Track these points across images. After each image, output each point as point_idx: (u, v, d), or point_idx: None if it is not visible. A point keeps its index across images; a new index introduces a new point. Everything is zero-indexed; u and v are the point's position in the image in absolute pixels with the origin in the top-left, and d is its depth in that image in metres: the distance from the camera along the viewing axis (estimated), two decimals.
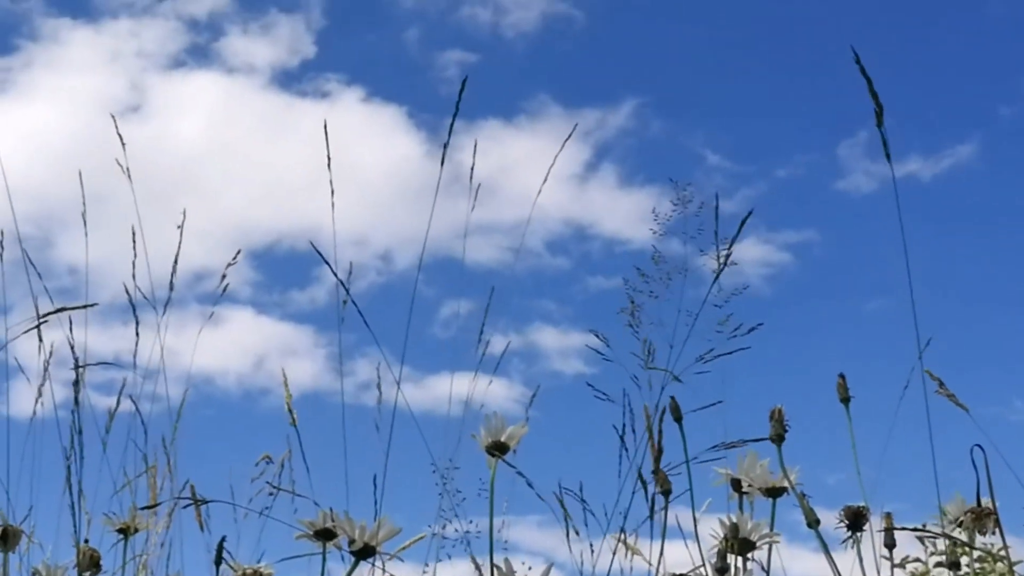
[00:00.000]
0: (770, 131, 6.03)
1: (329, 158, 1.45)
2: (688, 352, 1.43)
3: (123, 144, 1.68)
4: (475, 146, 1.55)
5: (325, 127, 1.46)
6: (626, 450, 1.37)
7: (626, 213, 5.80)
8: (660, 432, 1.39)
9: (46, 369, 1.64)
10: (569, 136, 1.63)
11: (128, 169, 1.64)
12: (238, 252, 1.78)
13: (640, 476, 1.38)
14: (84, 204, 1.71)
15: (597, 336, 1.43)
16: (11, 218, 1.62)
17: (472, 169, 1.54)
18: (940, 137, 5.83)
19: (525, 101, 6.19)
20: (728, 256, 1.46)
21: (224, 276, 1.77)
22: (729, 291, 1.48)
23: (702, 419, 1.41)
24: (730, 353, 1.44)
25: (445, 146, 1.42)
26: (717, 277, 1.46)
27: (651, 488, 1.40)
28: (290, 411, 1.58)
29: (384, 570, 1.36)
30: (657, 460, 1.37)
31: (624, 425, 1.43)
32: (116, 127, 1.64)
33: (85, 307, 1.53)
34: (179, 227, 1.71)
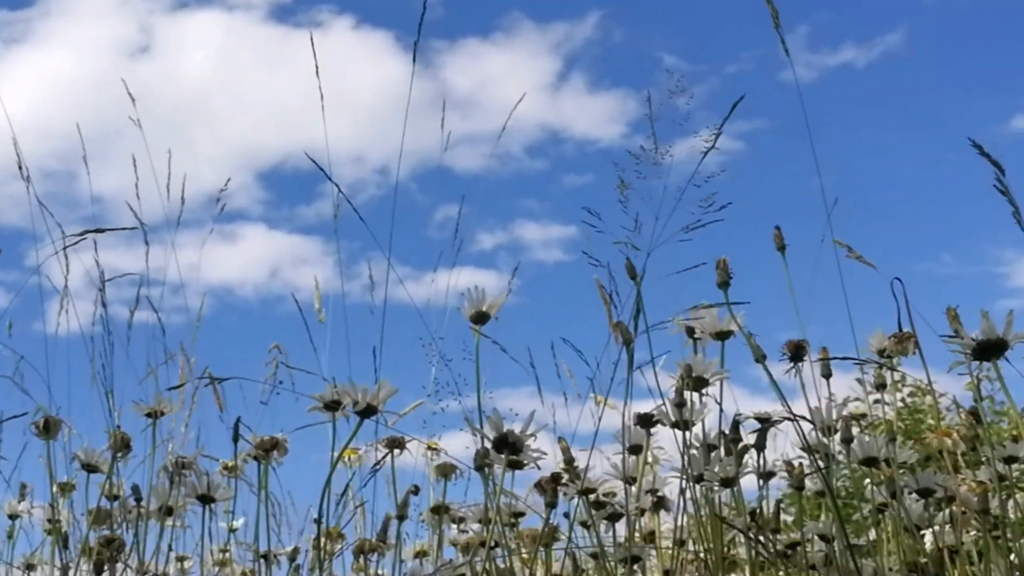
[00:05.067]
0: (718, 31, 6.13)
1: (317, 66, 1.53)
2: (672, 224, 1.51)
3: (133, 101, 1.76)
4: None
5: (311, 40, 1.54)
6: (616, 308, 1.45)
7: (595, 115, 5.94)
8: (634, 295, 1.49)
9: (64, 286, 1.73)
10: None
11: (139, 121, 1.73)
12: (228, 180, 1.86)
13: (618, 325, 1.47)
14: (84, 148, 1.80)
15: (589, 212, 1.51)
16: (37, 155, 1.70)
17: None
18: (871, 27, 5.95)
19: (500, 19, 6.28)
20: (717, 136, 1.54)
21: (219, 199, 1.86)
22: (706, 174, 1.55)
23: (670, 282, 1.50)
24: (705, 224, 1.52)
25: (415, 45, 1.49)
26: (704, 155, 1.53)
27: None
28: (319, 309, 1.69)
29: (388, 425, 1.46)
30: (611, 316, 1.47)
31: (613, 290, 1.51)
32: (127, 91, 1.73)
33: (120, 229, 1.62)
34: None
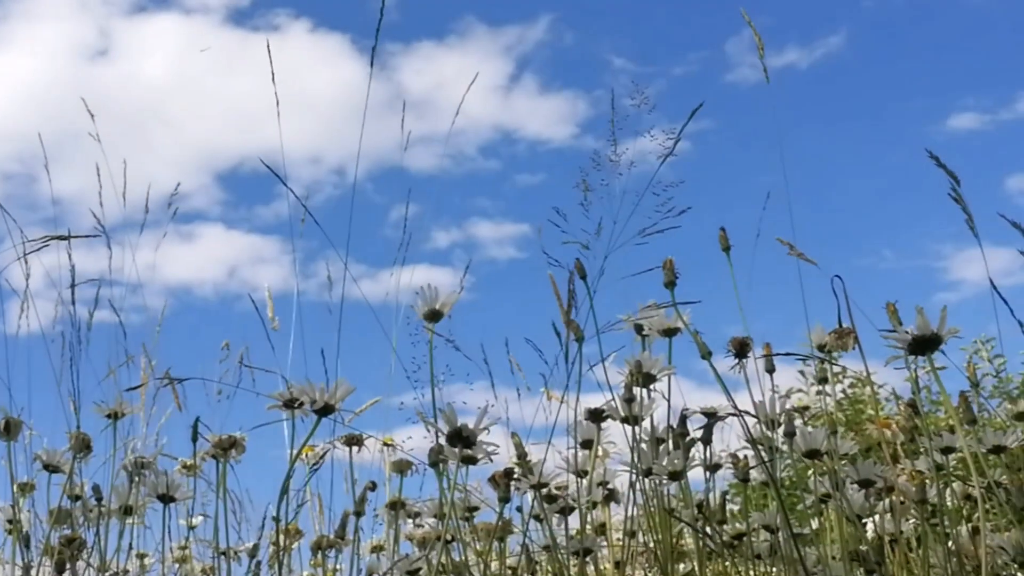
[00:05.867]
0: (666, 34, 6.24)
1: (273, 73, 1.55)
2: (630, 228, 1.54)
3: (92, 117, 1.78)
4: None
5: (268, 47, 1.55)
6: (575, 307, 1.47)
7: (546, 117, 6.05)
8: (573, 290, 1.51)
9: (26, 288, 1.73)
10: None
11: (98, 136, 1.74)
12: (178, 184, 1.88)
13: (555, 327, 1.49)
14: (45, 155, 1.80)
15: (557, 212, 1.54)
16: None
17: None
18: (813, 29, 6.08)
19: (454, 22, 6.38)
20: (676, 142, 1.57)
21: (171, 204, 1.88)
22: (665, 183, 1.58)
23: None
24: (662, 231, 1.54)
25: (373, 49, 1.50)
26: (663, 162, 1.56)
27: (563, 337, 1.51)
28: (272, 318, 1.70)
29: (345, 423, 1.47)
30: (568, 312, 1.49)
31: (572, 288, 1.53)
32: (87, 108, 1.73)
33: (85, 236, 1.63)
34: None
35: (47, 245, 1.60)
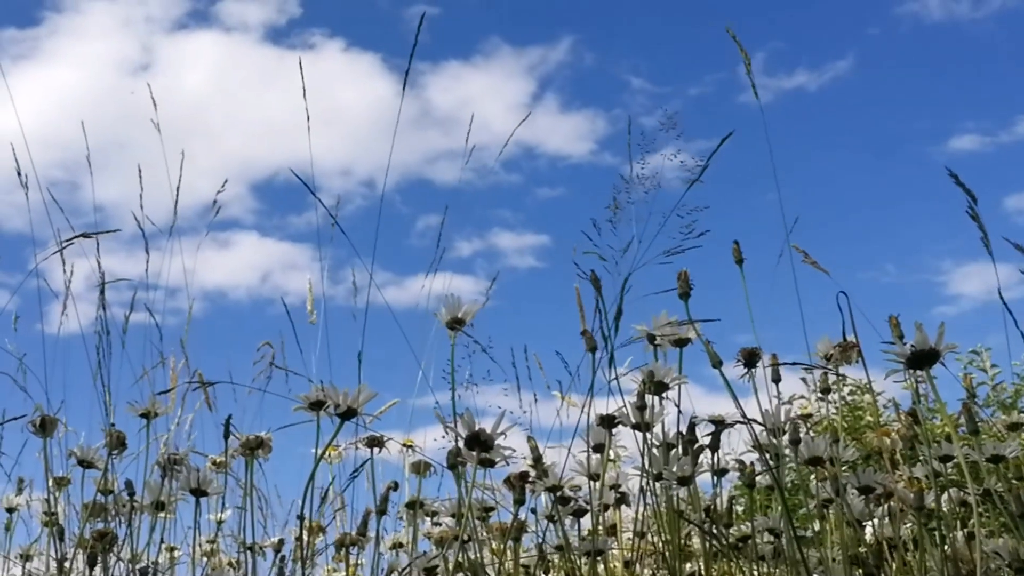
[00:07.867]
0: (682, 56, 6.30)
1: (304, 89, 1.56)
2: (655, 247, 1.55)
3: (155, 105, 1.79)
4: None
5: (300, 64, 1.57)
6: (603, 318, 1.49)
7: (566, 133, 6.13)
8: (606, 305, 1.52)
9: (67, 286, 1.75)
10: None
11: (158, 125, 1.75)
12: (225, 181, 1.89)
13: (601, 332, 1.50)
14: (88, 152, 1.82)
15: (594, 224, 1.56)
16: (41, 164, 1.71)
17: None
18: (822, 54, 6.14)
19: (480, 43, 6.49)
20: (704, 169, 1.58)
21: (216, 201, 1.89)
22: (691, 206, 1.60)
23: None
24: (683, 251, 1.56)
25: (407, 72, 1.52)
26: (689, 187, 1.58)
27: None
28: (311, 311, 1.71)
29: (366, 425, 1.48)
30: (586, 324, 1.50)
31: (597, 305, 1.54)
32: (151, 94, 1.74)
33: (107, 232, 1.64)
34: (180, 166, 1.81)
35: (72, 243, 1.62)
